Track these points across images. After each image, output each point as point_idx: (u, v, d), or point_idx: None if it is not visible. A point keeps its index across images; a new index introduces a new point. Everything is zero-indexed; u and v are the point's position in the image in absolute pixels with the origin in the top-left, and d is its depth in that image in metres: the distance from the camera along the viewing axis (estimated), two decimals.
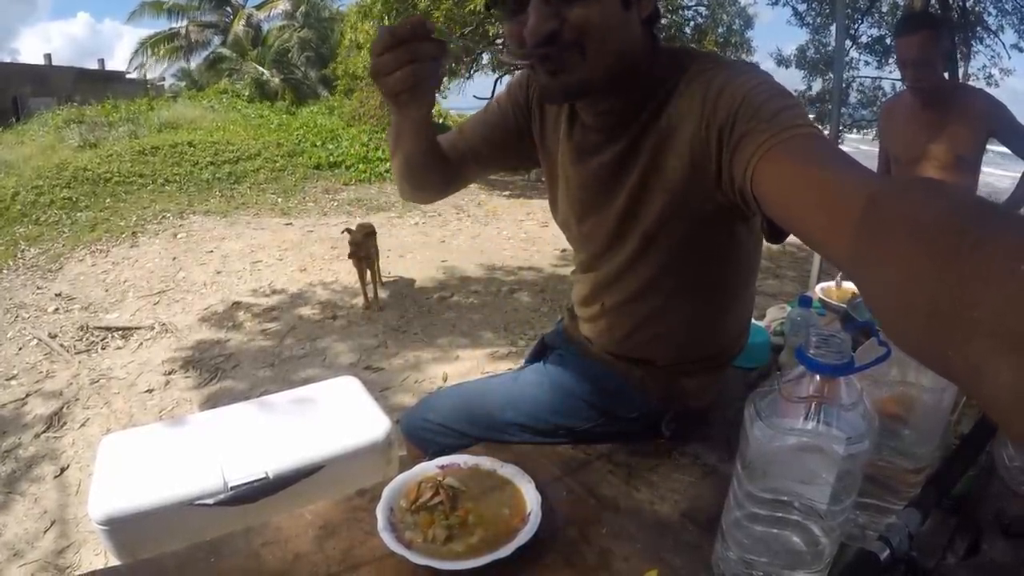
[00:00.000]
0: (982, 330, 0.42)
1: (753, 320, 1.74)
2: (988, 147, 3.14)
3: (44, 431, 4.02)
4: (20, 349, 5.35)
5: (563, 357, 1.62)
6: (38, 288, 6.96)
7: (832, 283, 2.54)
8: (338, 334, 5.47)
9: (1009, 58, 15.45)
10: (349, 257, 5.83)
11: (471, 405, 1.62)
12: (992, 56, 15.53)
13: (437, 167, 1.46)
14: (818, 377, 0.88)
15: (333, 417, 2.50)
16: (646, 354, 1.46)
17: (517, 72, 1.56)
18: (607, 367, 1.51)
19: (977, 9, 15.32)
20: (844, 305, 2.20)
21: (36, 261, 7.82)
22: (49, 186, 10.16)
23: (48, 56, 28.78)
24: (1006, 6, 14.99)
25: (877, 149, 3.58)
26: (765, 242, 1.28)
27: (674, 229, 1.23)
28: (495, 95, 1.56)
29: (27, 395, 4.54)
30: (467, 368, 4.67)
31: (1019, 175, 3.14)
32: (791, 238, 0.92)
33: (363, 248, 5.81)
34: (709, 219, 1.18)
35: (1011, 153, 3.09)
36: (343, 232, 5.94)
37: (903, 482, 1.09)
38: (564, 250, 7.93)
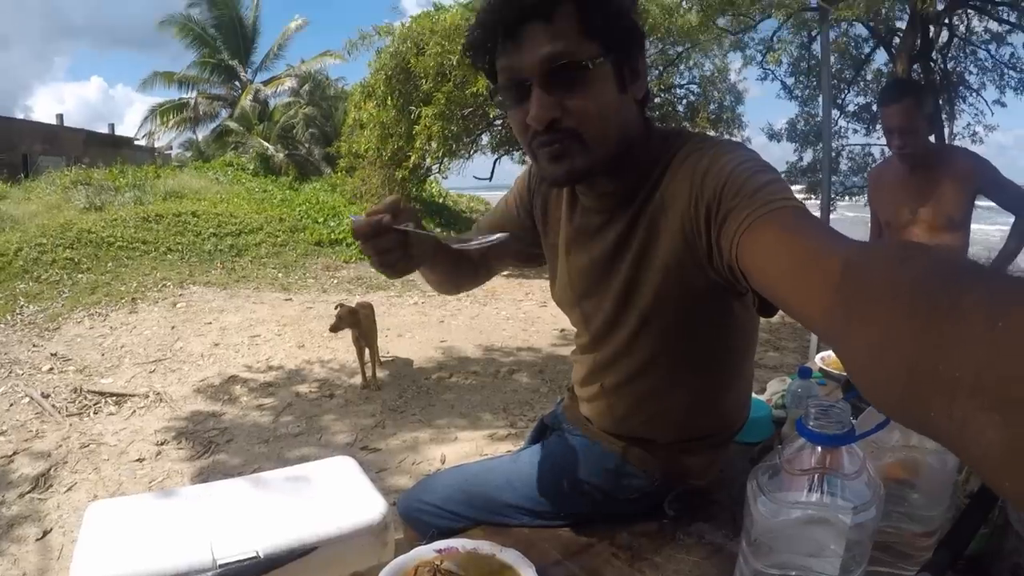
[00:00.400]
0: (964, 389, 0.42)
1: (754, 394, 1.72)
2: (977, 203, 3.19)
3: (29, 491, 3.98)
4: (11, 405, 5.34)
5: (563, 438, 1.60)
6: (34, 346, 6.98)
7: (832, 353, 2.53)
8: (335, 412, 5.42)
9: (992, 114, 15.94)
10: (331, 330, 5.84)
11: (470, 487, 1.60)
12: (976, 114, 16.01)
13: (462, 276, 1.62)
14: (819, 448, 0.88)
15: (328, 497, 2.46)
16: (646, 433, 1.45)
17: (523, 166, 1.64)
18: (608, 447, 1.49)
19: (958, 69, 15.84)
20: (845, 373, 2.19)
21: (34, 318, 7.85)
22: (52, 245, 10.21)
23: (60, 116, 29.40)
24: (986, 64, 15.60)
25: (868, 215, 3.63)
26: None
27: (670, 307, 1.25)
28: (505, 195, 1.65)
29: (14, 453, 4.52)
30: (466, 450, 4.61)
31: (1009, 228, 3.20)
32: None
33: (345, 323, 5.80)
34: (704, 296, 1.21)
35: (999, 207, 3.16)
36: (335, 308, 5.97)
37: (914, 547, 1.08)
38: (563, 330, 7.92)
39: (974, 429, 0.41)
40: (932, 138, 3.27)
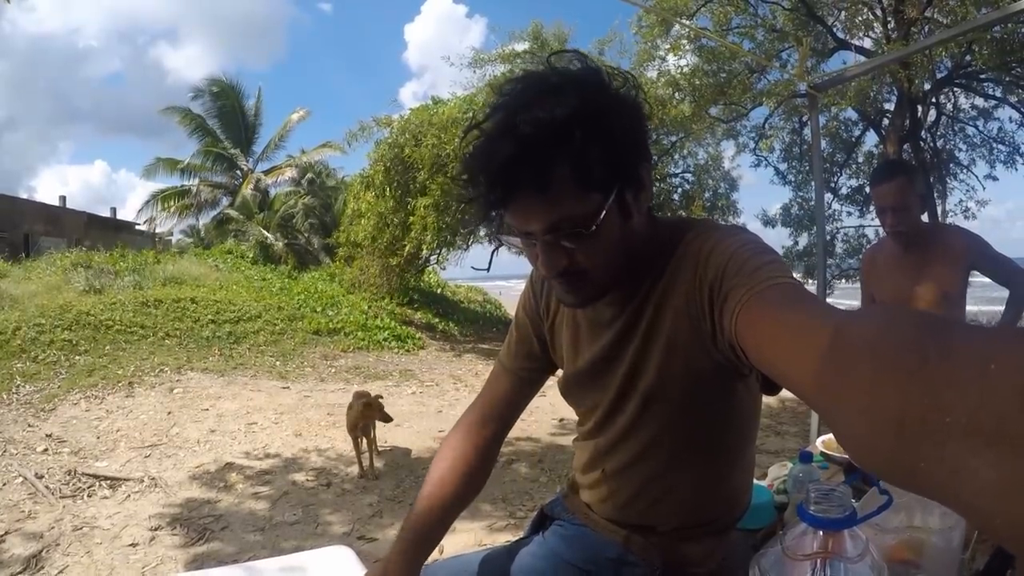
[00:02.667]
0: (956, 433, 0.43)
1: (755, 480, 1.68)
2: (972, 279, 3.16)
3: (20, 572, 3.97)
4: (4, 485, 5.33)
5: (563, 527, 1.57)
6: (29, 426, 6.95)
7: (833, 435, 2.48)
8: (332, 502, 5.37)
9: (984, 189, 16.00)
10: (377, 419, 5.98)
11: None
12: (967, 190, 16.18)
13: (484, 474, 1.59)
14: (821, 532, 0.88)
15: None
16: (648, 520, 1.42)
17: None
18: (607, 535, 1.46)
19: (948, 147, 16.07)
20: (846, 456, 2.18)
21: (30, 399, 7.82)
22: (51, 326, 10.21)
23: (63, 198, 29.43)
24: (974, 139, 15.87)
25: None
26: (764, 399, 1.34)
27: (674, 387, 1.25)
28: (515, 315, 1.63)
29: (6, 533, 4.50)
30: (464, 540, 4.52)
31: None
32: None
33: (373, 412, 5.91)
34: (708, 377, 1.21)
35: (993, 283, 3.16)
36: (366, 401, 6.03)
37: None
38: (562, 420, 7.89)
39: (967, 472, 0.42)
40: (924, 217, 3.30)
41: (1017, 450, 0.39)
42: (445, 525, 1.52)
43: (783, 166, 17.12)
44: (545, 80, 1.11)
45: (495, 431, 1.59)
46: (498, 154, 1.07)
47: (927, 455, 0.45)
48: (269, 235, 23.08)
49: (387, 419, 6.01)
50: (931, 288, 3.13)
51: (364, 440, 6.08)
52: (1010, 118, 15.05)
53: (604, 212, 1.10)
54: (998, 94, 14.70)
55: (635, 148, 1.15)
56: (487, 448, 1.58)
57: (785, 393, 1.01)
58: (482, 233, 16.30)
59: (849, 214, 17.19)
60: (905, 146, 13.61)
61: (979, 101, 15.50)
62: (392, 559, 1.44)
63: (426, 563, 1.52)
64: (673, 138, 15.80)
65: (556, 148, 1.05)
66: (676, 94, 13.97)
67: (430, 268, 18.94)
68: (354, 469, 6.11)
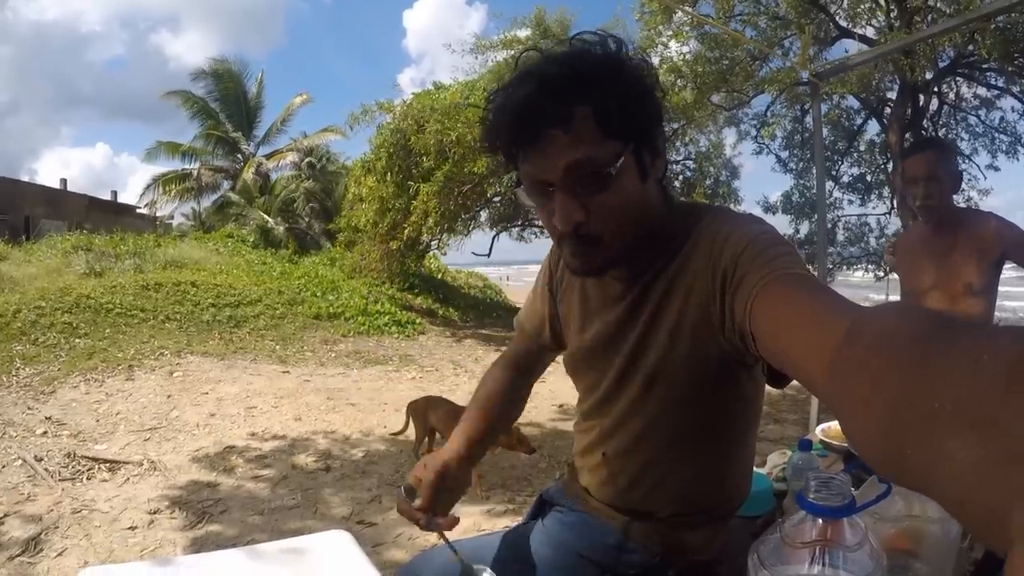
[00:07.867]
0: (943, 418, 0.44)
1: (755, 468, 1.67)
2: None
3: (19, 555, 3.96)
4: (3, 467, 5.32)
5: (562, 513, 1.55)
6: (29, 408, 6.94)
7: (832, 423, 2.37)
8: (332, 486, 5.37)
9: (985, 179, 16.01)
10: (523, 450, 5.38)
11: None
12: (969, 179, 15.94)
13: (518, 402, 1.78)
14: (820, 521, 0.87)
15: (323, 572, 2.42)
16: (648, 505, 1.41)
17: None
18: (607, 521, 1.45)
19: (950, 136, 15.98)
20: (846, 444, 2.16)
21: (30, 381, 7.80)
22: (51, 308, 10.19)
23: (64, 181, 29.41)
24: (976, 129, 15.92)
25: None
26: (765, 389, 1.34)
27: (676, 373, 1.25)
28: (534, 283, 1.67)
29: (5, 515, 4.49)
30: (464, 525, 4.28)
31: None
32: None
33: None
34: (711, 364, 1.21)
35: None
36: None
37: None
38: (561, 405, 7.89)
39: (946, 455, 0.43)
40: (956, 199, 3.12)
41: (1000, 429, 0.41)
42: (492, 438, 1.71)
43: (784, 154, 17.21)
44: (565, 45, 1.21)
45: (524, 373, 1.77)
46: (523, 91, 1.14)
47: (914, 442, 0.47)
48: (270, 219, 23.08)
49: (531, 450, 5.39)
50: (953, 278, 3.03)
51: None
52: (1012, 108, 15.09)
53: (622, 159, 1.13)
54: (1001, 84, 14.72)
55: (651, 113, 1.20)
56: (522, 382, 1.77)
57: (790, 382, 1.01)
58: (483, 218, 16.31)
59: (850, 202, 17.29)
60: (907, 135, 13.59)
61: (981, 91, 15.56)
62: (453, 462, 1.51)
63: (423, 550, 1.53)
64: (675, 125, 15.72)
65: (579, 90, 1.11)
66: (678, 81, 13.90)
67: (431, 253, 18.90)
68: (355, 453, 6.12)
